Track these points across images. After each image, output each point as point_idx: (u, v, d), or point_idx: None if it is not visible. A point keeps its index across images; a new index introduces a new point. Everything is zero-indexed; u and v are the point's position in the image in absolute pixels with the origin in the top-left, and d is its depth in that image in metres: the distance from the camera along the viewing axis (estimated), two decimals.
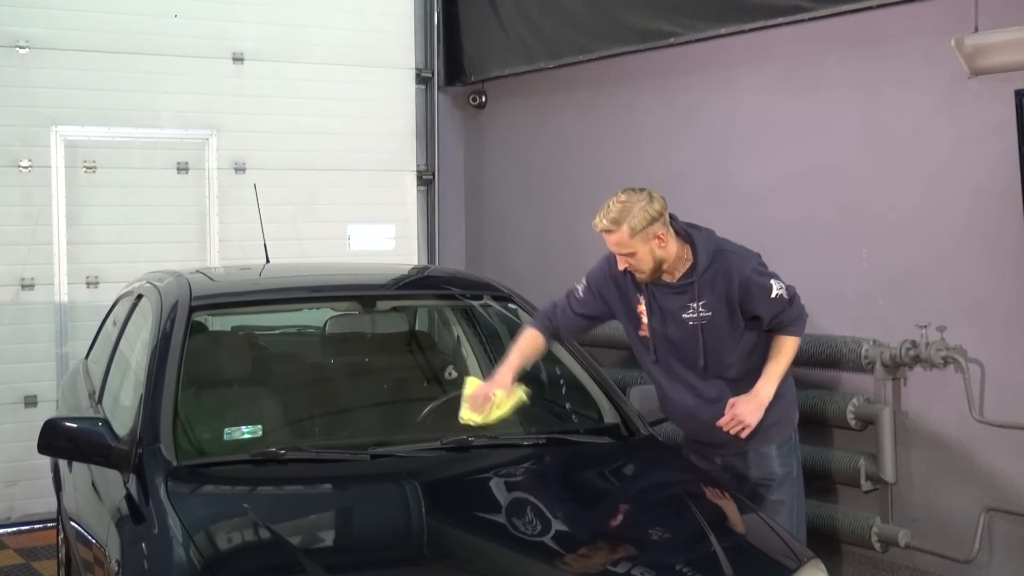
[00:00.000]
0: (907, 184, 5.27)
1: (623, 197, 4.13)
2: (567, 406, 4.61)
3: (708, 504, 3.84)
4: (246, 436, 4.06)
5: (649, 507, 3.86)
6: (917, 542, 5.19)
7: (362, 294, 4.87)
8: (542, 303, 4.91)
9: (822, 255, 5.55)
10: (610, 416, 4.32)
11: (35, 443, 3.82)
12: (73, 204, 6.89)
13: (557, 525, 3.59)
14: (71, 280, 6.89)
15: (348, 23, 7.69)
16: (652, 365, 4.40)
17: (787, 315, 4.23)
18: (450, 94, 8.29)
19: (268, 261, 5.88)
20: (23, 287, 6.81)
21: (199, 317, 4.56)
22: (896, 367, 5.23)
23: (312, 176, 7.54)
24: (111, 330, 5.35)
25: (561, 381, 4.56)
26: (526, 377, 4.27)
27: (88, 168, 6.95)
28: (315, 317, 4.99)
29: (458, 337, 5.11)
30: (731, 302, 4.18)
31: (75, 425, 3.88)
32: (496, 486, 3.94)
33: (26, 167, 6.80)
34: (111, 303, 5.76)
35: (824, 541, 5.22)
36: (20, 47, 6.75)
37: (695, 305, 4.20)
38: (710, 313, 4.19)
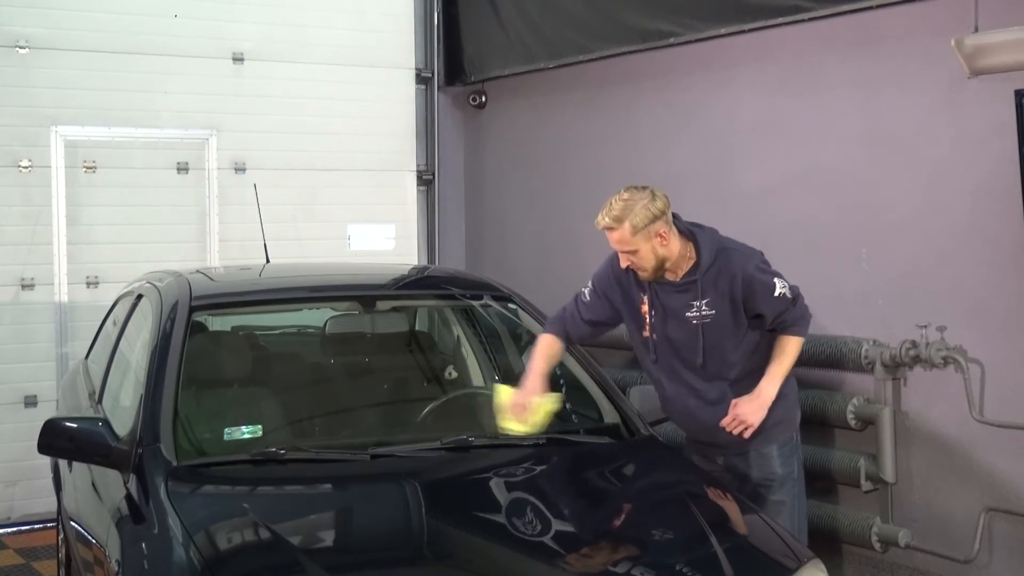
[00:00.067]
0: (907, 184, 5.27)
1: (626, 195, 4.13)
2: (567, 406, 4.60)
3: (708, 504, 3.84)
4: (246, 436, 4.06)
5: (649, 507, 3.86)
6: (917, 542, 5.19)
7: (362, 294, 4.87)
8: (542, 303, 4.92)
9: (822, 255, 5.55)
10: (610, 416, 4.33)
11: (35, 443, 3.82)
12: (73, 204, 6.89)
13: (557, 525, 3.59)
14: (71, 280, 6.90)
15: (348, 23, 7.69)
16: (653, 365, 4.40)
17: (790, 314, 4.24)
18: (450, 94, 8.29)
19: (268, 261, 5.88)
20: (23, 287, 6.81)
21: (199, 317, 4.56)
22: (896, 367, 5.23)
23: (312, 176, 7.54)
24: (111, 330, 5.35)
25: (561, 381, 4.56)
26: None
27: (88, 168, 6.95)
28: (315, 317, 4.99)
29: (458, 337, 5.11)
30: (734, 300, 4.18)
31: (75, 425, 3.88)
32: (496, 486, 3.93)
33: (26, 167, 6.80)
34: (111, 303, 5.76)
35: (824, 541, 5.22)
36: (20, 47, 6.75)
37: (698, 303, 4.20)
38: (713, 312, 4.20)
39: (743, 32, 5.93)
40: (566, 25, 7.07)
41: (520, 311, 4.77)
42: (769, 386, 4.22)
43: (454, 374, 4.92)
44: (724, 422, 4.22)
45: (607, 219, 4.12)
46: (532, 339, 4.76)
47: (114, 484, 3.79)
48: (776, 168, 5.87)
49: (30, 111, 6.80)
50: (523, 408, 4.09)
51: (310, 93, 7.52)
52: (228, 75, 7.33)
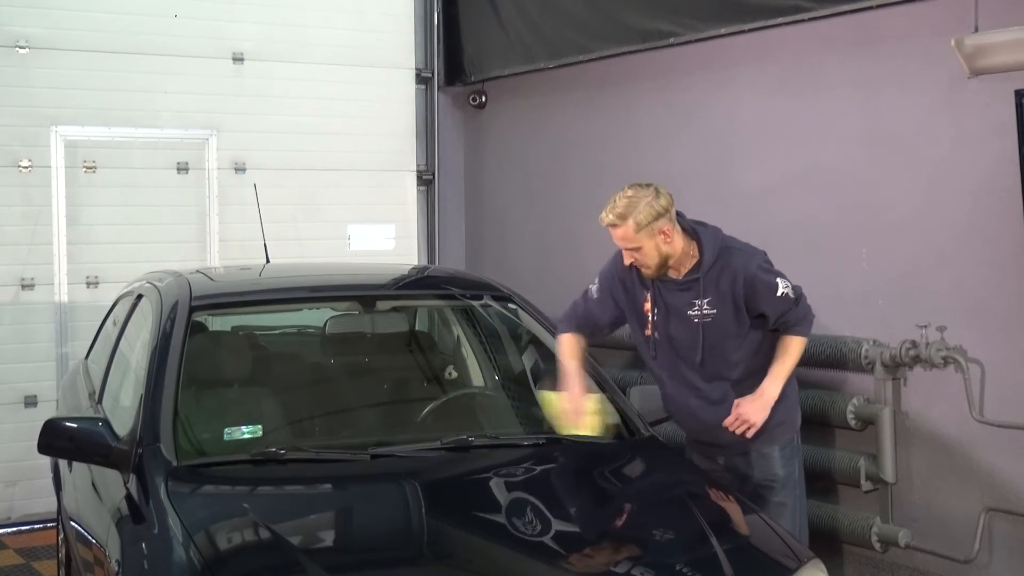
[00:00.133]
0: (907, 184, 5.27)
1: (630, 192, 4.14)
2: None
3: (708, 504, 3.84)
4: (246, 436, 4.06)
5: (649, 507, 3.86)
6: (917, 542, 5.19)
7: (362, 294, 4.87)
8: (542, 303, 4.92)
9: (822, 255, 5.55)
10: (610, 416, 4.32)
11: (35, 443, 3.81)
12: (73, 204, 6.89)
13: (557, 525, 3.59)
14: (71, 280, 6.89)
15: (348, 23, 7.69)
16: (654, 363, 4.41)
17: (793, 315, 4.24)
18: (450, 94, 8.29)
19: (268, 261, 5.88)
20: (23, 287, 6.81)
21: (199, 317, 4.56)
22: (896, 367, 5.23)
23: (312, 176, 7.54)
24: (111, 330, 5.35)
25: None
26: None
27: (88, 168, 6.95)
28: (315, 317, 4.99)
29: (458, 337, 5.11)
30: (736, 299, 4.18)
31: (75, 425, 3.87)
32: (496, 486, 3.93)
33: (26, 167, 6.80)
34: (111, 303, 5.76)
35: (824, 541, 5.22)
36: (20, 47, 6.75)
37: (700, 302, 4.20)
38: (715, 310, 4.20)
39: (743, 32, 5.93)
40: (566, 25, 7.07)
41: (520, 311, 4.77)
42: (772, 386, 4.22)
43: (454, 374, 4.91)
44: (727, 422, 4.22)
45: (611, 216, 4.13)
46: (532, 339, 4.77)
47: (114, 484, 3.79)
48: (776, 168, 5.87)
49: (30, 111, 6.80)
50: (579, 414, 4.12)
51: (310, 93, 7.52)
52: (228, 75, 7.33)
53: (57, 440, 3.81)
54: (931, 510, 5.20)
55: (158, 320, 4.32)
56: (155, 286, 4.71)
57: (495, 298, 4.84)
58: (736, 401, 4.23)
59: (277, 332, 5.23)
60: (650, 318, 4.32)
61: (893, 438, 5.22)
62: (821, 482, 5.38)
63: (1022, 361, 4.87)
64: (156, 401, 3.88)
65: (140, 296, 4.90)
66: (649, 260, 4.17)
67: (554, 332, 4.65)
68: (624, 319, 4.48)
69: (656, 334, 4.33)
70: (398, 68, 7.88)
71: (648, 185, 4.16)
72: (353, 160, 7.67)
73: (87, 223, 6.93)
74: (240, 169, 7.31)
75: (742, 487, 4.25)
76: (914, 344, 5.13)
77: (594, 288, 4.45)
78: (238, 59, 7.34)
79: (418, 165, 8.03)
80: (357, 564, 3.36)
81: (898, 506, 5.29)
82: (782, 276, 4.23)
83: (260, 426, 4.11)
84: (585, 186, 6.99)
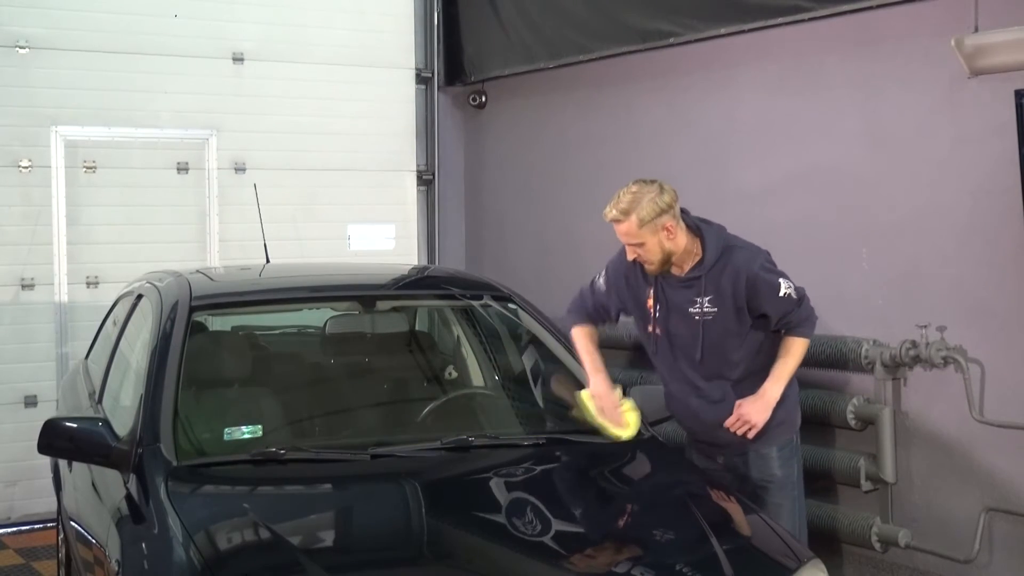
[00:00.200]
0: (907, 184, 5.27)
1: (634, 188, 4.15)
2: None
3: (708, 504, 3.84)
4: (246, 436, 4.06)
5: (649, 507, 3.86)
6: (917, 542, 5.19)
7: (362, 294, 4.87)
8: (542, 303, 4.92)
9: (822, 255, 5.55)
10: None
11: (35, 443, 3.81)
12: (73, 204, 6.89)
13: (557, 525, 3.59)
14: (71, 280, 6.89)
15: (348, 23, 7.68)
16: (655, 359, 4.43)
17: (796, 315, 4.24)
18: (450, 94, 8.28)
19: (268, 261, 5.88)
20: (23, 287, 6.81)
21: (199, 317, 4.56)
22: (896, 367, 5.23)
23: (312, 176, 7.54)
24: (111, 330, 5.35)
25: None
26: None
27: (88, 168, 6.95)
28: (315, 317, 4.99)
29: (458, 337, 5.11)
30: (737, 299, 4.19)
31: (75, 425, 3.88)
32: (496, 486, 3.93)
33: (26, 167, 6.80)
34: (111, 303, 5.76)
35: (824, 541, 5.22)
36: (20, 47, 6.75)
37: (701, 300, 4.21)
38: (716, 309, 4.20)
39: (743, 32, 5.92)
40: (566, 25, 7.07)
41: (520, 311, 4.77)
42: (774, 387, 4.23)
43: (454, 374, 4.91)
44: (728, 422, 4.23)
45: (615, 211, 4.14)
46: (532, 339, 4.77)
47: (114, 484, 3.79)
48: (776, 168, 5.87)
49: (30, 111, 6.80)
50: (618, 413, 4.14)
51: (310, 93, 7.52)
52: (228, 75, 7.33)
53: (57, 440, 3.81)
54: (931, 510, 5.20)
55: (158, 320, 4.32)
56: (155, 286, 4.71)
57: (495, 298, 4.84)
58: (738, 402, 4.24)
59: (277, 332, 5.23)
60: (652, 314, 4.33)
61: (893, 438, 5.22)
62: (821, 482, 5.38)
63: (1022, 361, 4.87)
64: (156, 401, 3.88)
65: (140, 296, 4.90)
66: (652, 256, 4.18)
67: (554, 332, 4.66)
68: (626, 314, 4.49)
69: (658, 330, 4.34)
70: (398, 68, 7.88)
71: (652, 181, 4.17)
72: (353, 160, 7.67)
73: (87, 223, 6.93)
74: (240, 169, 7.31)
75: (740, 487, 4.25)
76: (914, 344, 5.13)
77: (601, 280, 4.47)
78: (238, 59, 7.34)
79: (418, 165, 8.03)
80: (357, 564, 3.36)
81: (898, 506, 5.29)
82: (785, 276, 4.23)
83: (260, 426, 4.11)
84: (585, 186, 6.99)
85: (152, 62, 7.07)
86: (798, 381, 4.52)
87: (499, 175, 8.02)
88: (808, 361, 5.29)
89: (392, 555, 3.38)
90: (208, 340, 4.74)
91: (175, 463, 3.68)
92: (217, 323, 4.88)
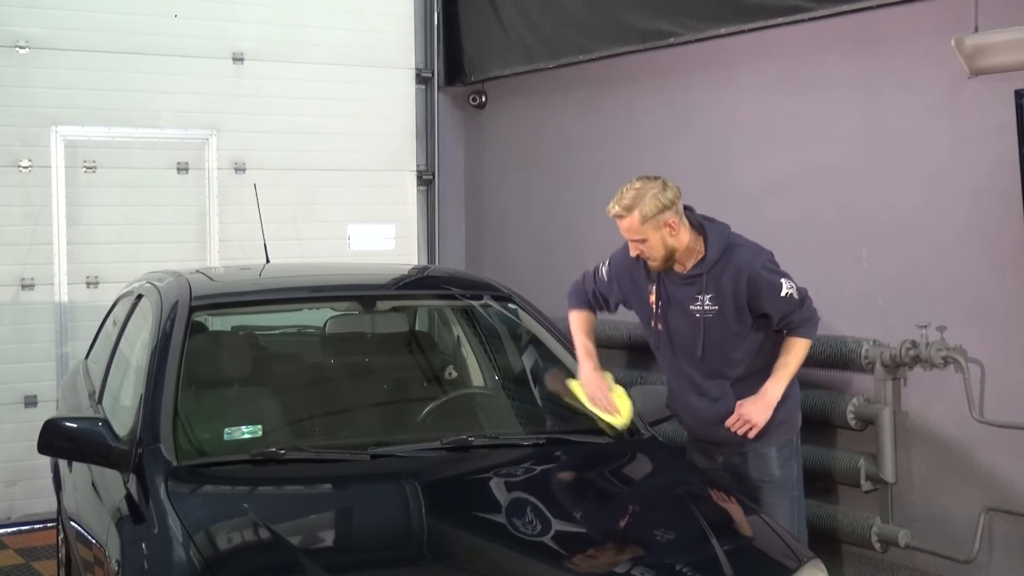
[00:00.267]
0: (907, 184, 5.27)
1: (637, 184, 4.16)
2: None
3: (708, 504, 3.84)
4: (246, 436, 4.05)
5: (649, 507, 3.86)
6: (917, 542, 5.19)
7: (362, 294, 4.86)
8: (542, 303, 4.92)
9: (822, 255, 5.55)
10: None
11: (35, 443, 3.81)
12: (73, 204, 6.89)
13: (557, 525, 3.59)
14: (71, 280, 6.90)
15: (348, 23, 7.69)
16: (658, 354, 4.43)
17: (797, 316, 4.24)
18: (450, 94, 8.28)
19: (268, 261, 5.87)
20: (23, 287, 6.81)
21: (199, 317, 4.56)
22: (896, 367, 5.23)
23: (312, 176, 7.54)
24: (111, 330, 5.35)
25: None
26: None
27: (88, 168, 6.95)
28: (315, 317, 4.99)
29: (458, 337, 5.11)
30: (738, 297, 4.19)
31: (75, 425, 3.88)
32: (496, 486, 3.93)
33: (26, 167, 6.80)
34: (111, 303, 5.76)
35: (824, 541, 5.22)
36: (20, 47, 6.75)
37: (702, 298, 4.21)
38: (717, 307, 4.21)
39: (743, 32, 5.92)
40: (566, 25, 7.07)
41: (520, 311, 4.77)
42: (775, 387, 4.23)
43: (454, 374, 4.91)
44: (729, 422, 4.23)
45: (617, 207, 4.15)
46: (532, 339, 4.77)
47: (114, 484, 3.79)
48: (776, 168, 5.87)
49: (30, 111, 6.80)
50: (610, 402, 4.16)
51: (310, 93, 7.52)
52: (228, 75, 7.33)
53: (57, 440, 3.81)
54: (931, 510, 5.20)
55: (158, 320, 4.32)
56: (155, 286, 4.71)
57: (495, 298, 4.85)
58: (739, 402, 4.24)
59: (277, 332, 5.23)
60: (654, 310, 4.33)
61: (893, 438, 5.22)
62: (821, 482, 5.38)
63: (1022, 361, 4.87)
64: (156, 401, 3.88)
65: (140, 296, 4.90)
66: (655, 252, 4.18)
67: (554, 332, 4.66)
68: (626, 305, 4.50)
69: (659, 327, 4.34)
70: (398, 68, 7.88)
71: (656, 178, 4.18)
72: (353, 160, 7.67)
73: (87, 223, 6.93)
74: (240, 169, 7.31)
75: (739, 486, 4.25)
76: (914, 344, 5.13)
77: (604, 270, 4.49)
78: (238, 59, 7.34)
79: (418, 165, 8.03)
80: (357, 564, 3.36)
81: (898, 506, 5.29)
82: (787, 277, 4.23)
83: (260, 426, 4.11)
84: (585, 186, 6.98)
85: (152, 62, 7.07)
86: (799, 381, 4.52)
87: (499, 175, 8.02)
88: (808, 361, 5.28)
89: (392, 555, 3.37)
90: (208, 340, 4.74)
91: (175, 463, 3.68)
92: (217, 323, 4.88)
